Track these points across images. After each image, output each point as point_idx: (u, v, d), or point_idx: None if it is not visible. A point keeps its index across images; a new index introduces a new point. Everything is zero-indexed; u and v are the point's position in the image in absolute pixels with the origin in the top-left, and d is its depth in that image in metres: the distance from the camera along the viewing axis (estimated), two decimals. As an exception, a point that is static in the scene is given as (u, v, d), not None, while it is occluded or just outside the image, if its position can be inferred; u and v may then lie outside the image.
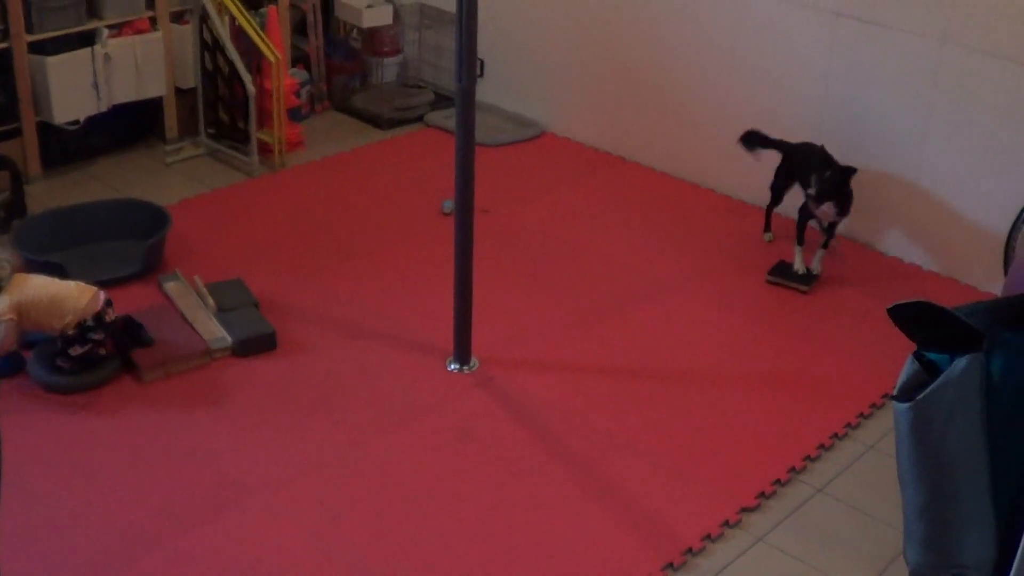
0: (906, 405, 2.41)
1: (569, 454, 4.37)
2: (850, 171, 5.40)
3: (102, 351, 4.61)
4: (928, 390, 2.38)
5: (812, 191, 5.39)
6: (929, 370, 2.43)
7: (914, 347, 2.50)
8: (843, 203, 5.46)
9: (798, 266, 5.58)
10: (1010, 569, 2.20)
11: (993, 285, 5.47)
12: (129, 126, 6.52)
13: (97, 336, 4.56)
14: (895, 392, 2.47)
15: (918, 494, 2.47)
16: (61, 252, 5.29)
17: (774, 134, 5.90)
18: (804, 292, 5.48)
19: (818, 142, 5.67)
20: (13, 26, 5.78)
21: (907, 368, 2.47)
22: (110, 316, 4.62)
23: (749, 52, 6.08)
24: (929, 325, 2.44)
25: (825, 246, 5.62)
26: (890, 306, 2.47)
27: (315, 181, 6.39)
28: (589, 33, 6.73)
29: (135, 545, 3.82)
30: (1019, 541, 2.18)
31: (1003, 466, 2.37)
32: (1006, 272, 5.24)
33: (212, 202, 6.09)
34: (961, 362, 2.35)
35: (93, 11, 6.07)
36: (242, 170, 6.43)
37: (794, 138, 5.75)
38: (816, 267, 5.59)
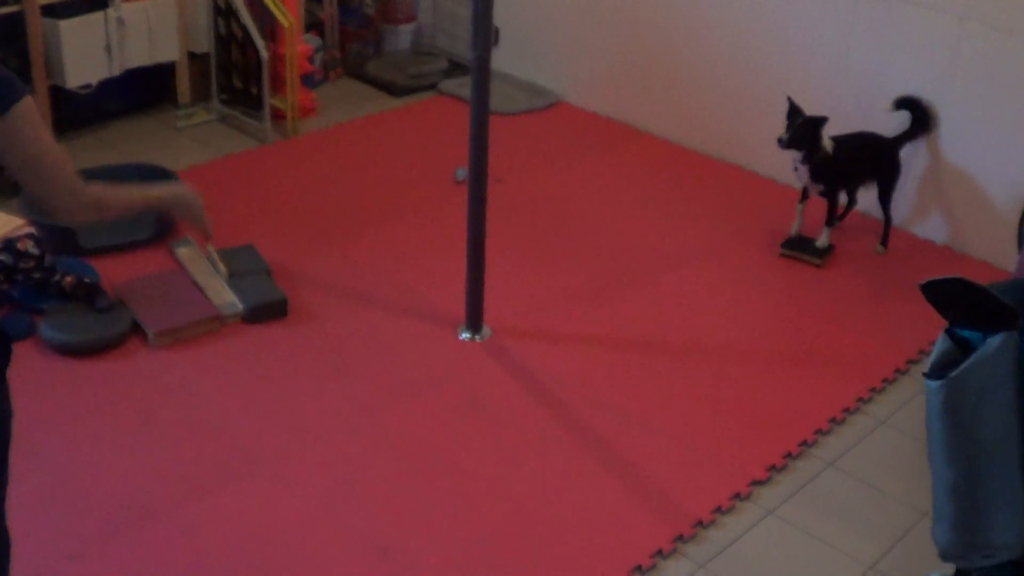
0: (938, 383, 2.39)
1: (580, 425, 4.37)
2: (820, 120, 5.35)
3: (4, 286, 4.64)
4: (961, 368, 2.35)
5: (784, 137, 5.33)
6: (962, 348, 2.40)
7: (929, 316, 2.48)
8: (820, 170, 5.45)
9: (793, 230, 5.64)
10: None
11: (1007, 262, 5.45)
12: (142, 91, 6.50)
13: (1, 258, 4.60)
14: (927, 370, 2.45)
15: (948, 473, 2.44)
16: (73, 216, 5.27)
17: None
18: (817, 266, 5.46)
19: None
20: (26, -11, 5.76)
21: (939, 345, 2.45)
22: (24, 245, 4.64)
23: (768, 25, 6.04)
24: (963, 302, 2.42)
25: (829, 223, 5.58)
26: (923, 282, 2.45)
27: (328, 148, 6.38)
28: (605, 2, 6.69)
29: (145, 512, 3.82)
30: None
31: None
32: (1020, 249, 5.22)
33: (224, 168, 6.08)
34: (995, 340, 2.33)
35: (106, -26, 6.05)
36: (255, 136, 6.42)
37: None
38: (822, 241, 5.56)
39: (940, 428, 2.42)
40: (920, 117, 5.55)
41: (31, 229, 4.70)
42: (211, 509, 3.86)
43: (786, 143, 5.32)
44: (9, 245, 4.61)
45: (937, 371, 2.41)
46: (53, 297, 4.71)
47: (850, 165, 5.52)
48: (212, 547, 3.71)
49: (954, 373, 2.36)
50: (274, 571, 3.64)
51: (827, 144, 5.39)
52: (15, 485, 3.35)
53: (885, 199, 5.62)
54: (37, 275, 4.71)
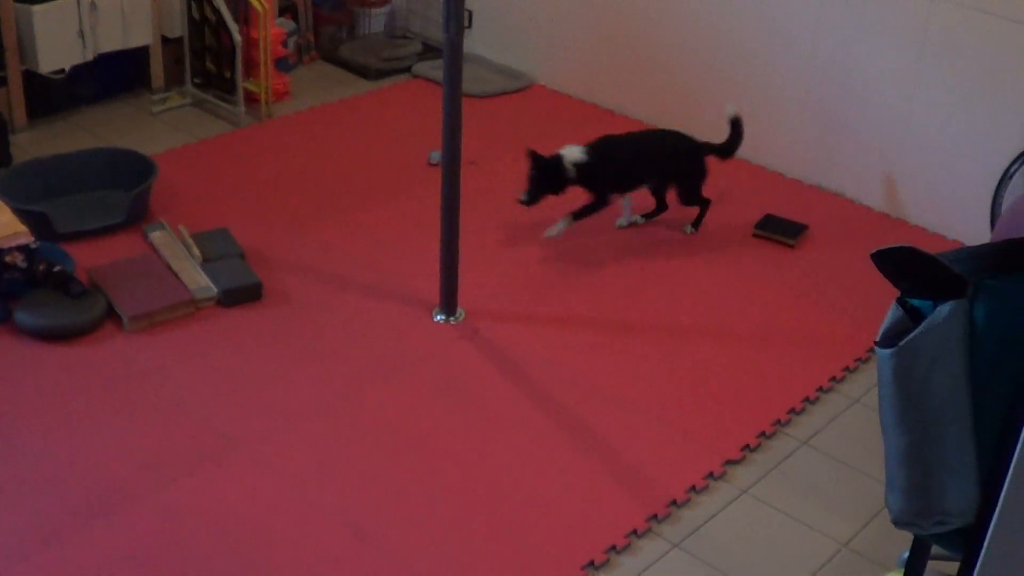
0: (889, 351, 2.40)
1: (554, 406, 4.38)
2: (551, 162, 5.26)
3: None
4: (911, 336, 2.37)
5: (525, 197, 5.31)
6: (913, 316, 2.42)
7: (899, 295, 2.50)
8: (587, 180, 5.33)
9: (552, 231, 5.43)
10: (992, 516, 2.20)
11: (981, 240, 5.46)
12: (115, 75, 6.48)
13: None
14: (878, 338, 2.47)
15: (900, 441, 2.46)
16: (46, 201, 5.27)
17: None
18: (790, 246, 5.48)
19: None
20: (-3, -26, 5.74)
21: (891, 314, 2.46)
22: (13, 259, 4.62)
23: (739, 5, 6.05)
24: (913, 271, 2.44)
25: (577, 216, 5.41)
26: (874, 251, 2.47)
27: (302, 132, 6.37)
28: (578, -15, 6.70)
29: (120, 497, 3.82)
30: (1001, 488, 2.17)
31: (986, 412, 2.36)
32: (993, 227, 5.24)
33: (198, 152, 6.07)
34: (945, 308, 2.35)
35: (78, -41, 6.03)
36: (228, 120, 6.40)
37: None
38: (620, 221, 5.57)
39: (891, 396, 2.44)
40: (734, 137, 5.53)
41: (25, 241, 4.66)
42: (186, 492, 3.86)
43: (530, 201, 5.32)
44: None
45: (888, 339, 2.43)
46: (28, 284, 4.69)
47: (623, 165, 5.43)
48: (187, 530, 3.71)
49: (905, 341, 2.37)
50: (249, 553, 3.64)
51: (576, 157, 5.28)
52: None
53: (687, 197, 5.57)
54: (24, 280, 4.69)
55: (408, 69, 7.20)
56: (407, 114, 6.65)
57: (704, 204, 5.59)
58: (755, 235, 5.55)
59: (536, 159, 5.25)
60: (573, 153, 5.29)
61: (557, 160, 5.26)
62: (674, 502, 3.97)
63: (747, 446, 4.26)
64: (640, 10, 6.46)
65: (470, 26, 7.14)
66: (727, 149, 5.55)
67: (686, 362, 4.68)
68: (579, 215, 5.38)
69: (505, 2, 7.08)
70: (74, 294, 4.65)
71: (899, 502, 2.52)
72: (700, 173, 5.53)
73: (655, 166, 5.52)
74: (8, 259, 4.61)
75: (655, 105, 6.57)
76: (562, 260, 5.30)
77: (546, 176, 5.26)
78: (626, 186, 5.46)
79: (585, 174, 5.29)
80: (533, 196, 5.29)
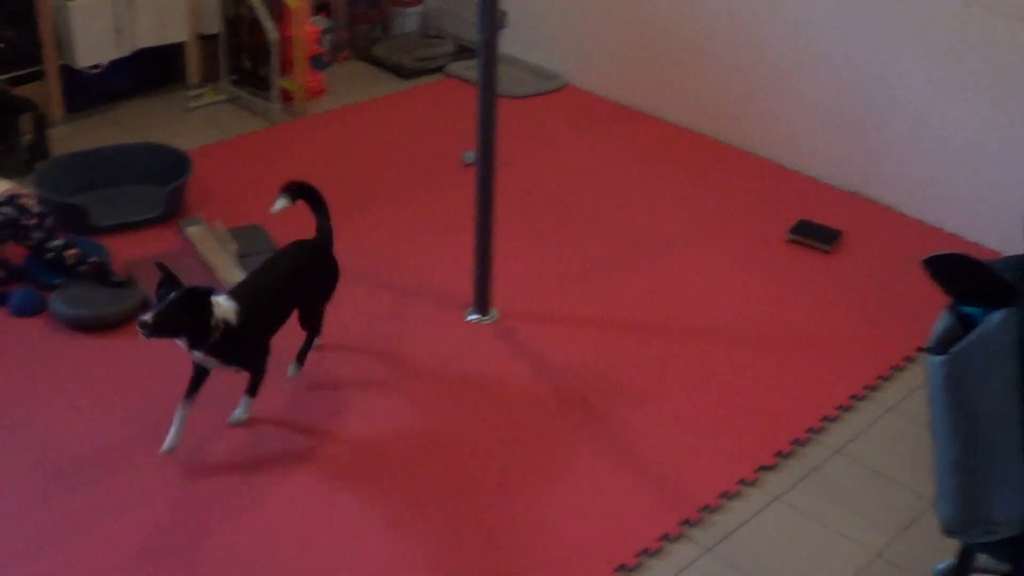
0: (940, 358, 2.39)
1: (586, 408, 4.37)
2: (201, 294, 3.73)
3: (27, 241, 4.75)
4: (963, 344, 2.36)
5: (148, 321, 3.60)
6: (964, 324, 2.41)
7: (938, 303, 2.49)
8: (230, 345, 3.88)
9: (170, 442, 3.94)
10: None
11: (1015, 249, 5.43)
12: (151, 71, 6.51)
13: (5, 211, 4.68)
14: (929, 345, 2.46)
15: (950, 449, 2.45)
16: (83, 195, 5.29)
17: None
18: (826, 252, 5.45)
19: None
20: (36, -30, 5.76)
21: (942, 321, 2.45)
22: (27, 202, 4.73)
23: (772, 10, 6.03)
24: (965, 279, 2.43)
25: (301, 355, 4.45)
26: (926, 257, 2.46)
27: (335, 129, 6.38)
28: (614, -13, 6.70)
29: (141, 492, 3.84)
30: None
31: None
32: (1029, 237, 5.22)
33: (233, 148, 6.08)
34: (996, 316, 2.34)
35: (115, -45, 6.05)
36: (263, 117, 6.42)
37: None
38: (236, 416, 4.17)
39: (942, 404, 2.43)
40: (314, 203, 4.46)
41: (27, 191, 4.74)
42: (213, 489, 3.87)
43: (151, 329, 3.59)
44: (12, 200, 4.66)
45: (939, 346, 2.42)
46: (63, 274, 4.72)
47: (275, 310, 4.19)
48: (213, 525, 3.72)
49: (956, 348, 2.36)
50: (257, 551, 3.65)
51: (227, 313, 3.84)
52: (17, 460, 3.34)
53: (317, 315, 4.47)
54: (38, 234, 4.72)
55: (441, 68, 7.21)
56: (441, 114, 6.65)
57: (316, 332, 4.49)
58: (790, 240, 5.53)
59: (174, 285, 3.71)
60: (226, 309, 3.85)
61: (205, 305, 3.76)
62: (706, 507, 3.96)
63: (780, 452, 4.24)
64: (672, 13, 6.45)
65: (504, 26, 7.13)
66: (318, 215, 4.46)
67: (720, 367, 4.66)
68: (302, 352, 4.43)
69: (540, 2, 7.08)
70: (112, 283, 4.68)
71: (948, 510, 2.51)
72: (335, 276, 4.45)
73: (300, 293, 4.32)
74: (23, 201, 4.66)
75: (686, 107, 6.56)
76: (596, 261, 5.28)
77: (187, 315, 3.71)
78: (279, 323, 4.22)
79: (230, 340, 3.85)
80: (161, 327, 3.63)
